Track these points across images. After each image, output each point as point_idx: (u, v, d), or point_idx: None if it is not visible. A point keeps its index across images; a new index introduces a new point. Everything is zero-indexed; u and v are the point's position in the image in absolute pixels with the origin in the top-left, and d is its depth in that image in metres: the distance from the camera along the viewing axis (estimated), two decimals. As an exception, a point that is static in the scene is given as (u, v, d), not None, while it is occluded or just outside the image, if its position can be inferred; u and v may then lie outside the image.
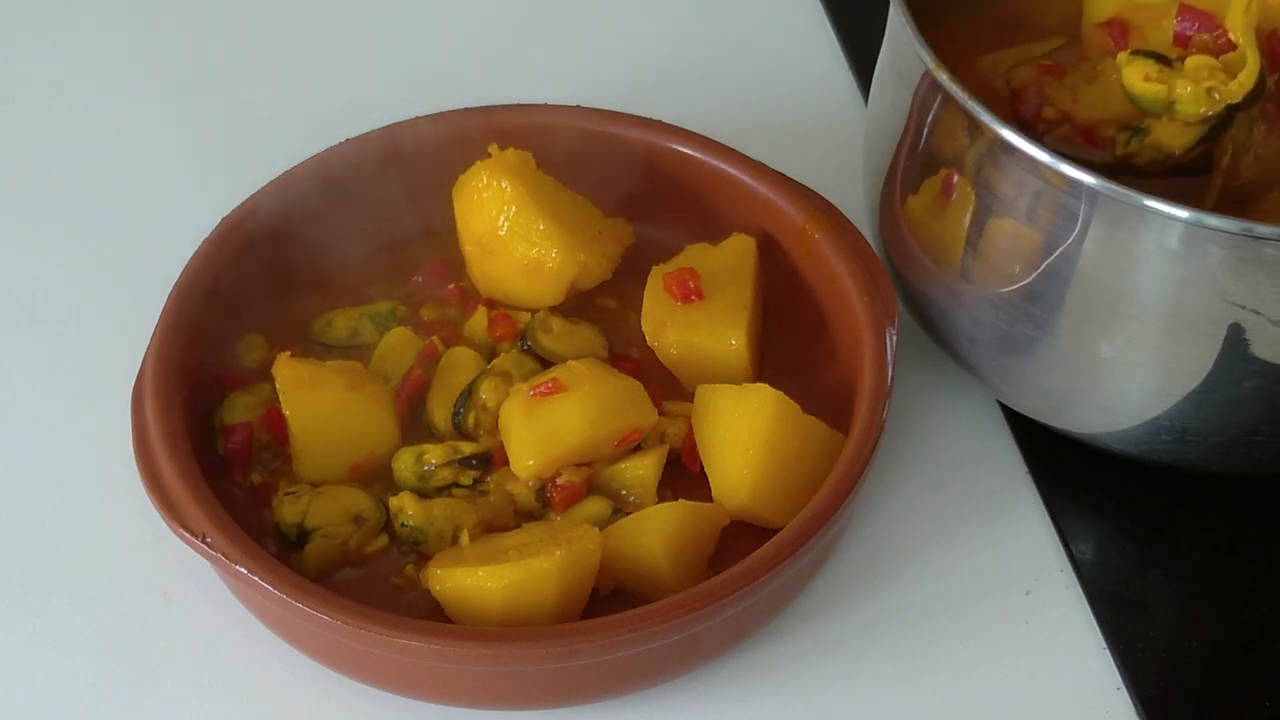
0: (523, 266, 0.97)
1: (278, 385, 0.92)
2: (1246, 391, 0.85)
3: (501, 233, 0.97)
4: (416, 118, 1.02)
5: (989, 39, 0.98)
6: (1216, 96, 0.85)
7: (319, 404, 0.91)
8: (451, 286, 1.00)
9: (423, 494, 0.90)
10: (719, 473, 0.91)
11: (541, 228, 0.96)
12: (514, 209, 0.96)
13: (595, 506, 0.91)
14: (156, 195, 1.10)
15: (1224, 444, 0.88)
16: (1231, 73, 0.86)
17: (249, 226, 0.97)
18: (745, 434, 0.90)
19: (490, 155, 0.98)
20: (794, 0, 1.23)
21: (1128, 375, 0.86)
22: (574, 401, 0.90)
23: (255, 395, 0.94)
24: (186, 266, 0.95)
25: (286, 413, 0.91)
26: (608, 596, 0.88)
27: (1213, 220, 0.79)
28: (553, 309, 0.98)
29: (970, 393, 0.99)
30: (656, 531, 0.87)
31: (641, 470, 0.92)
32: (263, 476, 0.92)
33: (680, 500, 0.89)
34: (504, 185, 0.97)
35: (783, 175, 1.01)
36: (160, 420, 0.89)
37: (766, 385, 0.91)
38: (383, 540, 0.91)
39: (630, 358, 0.98)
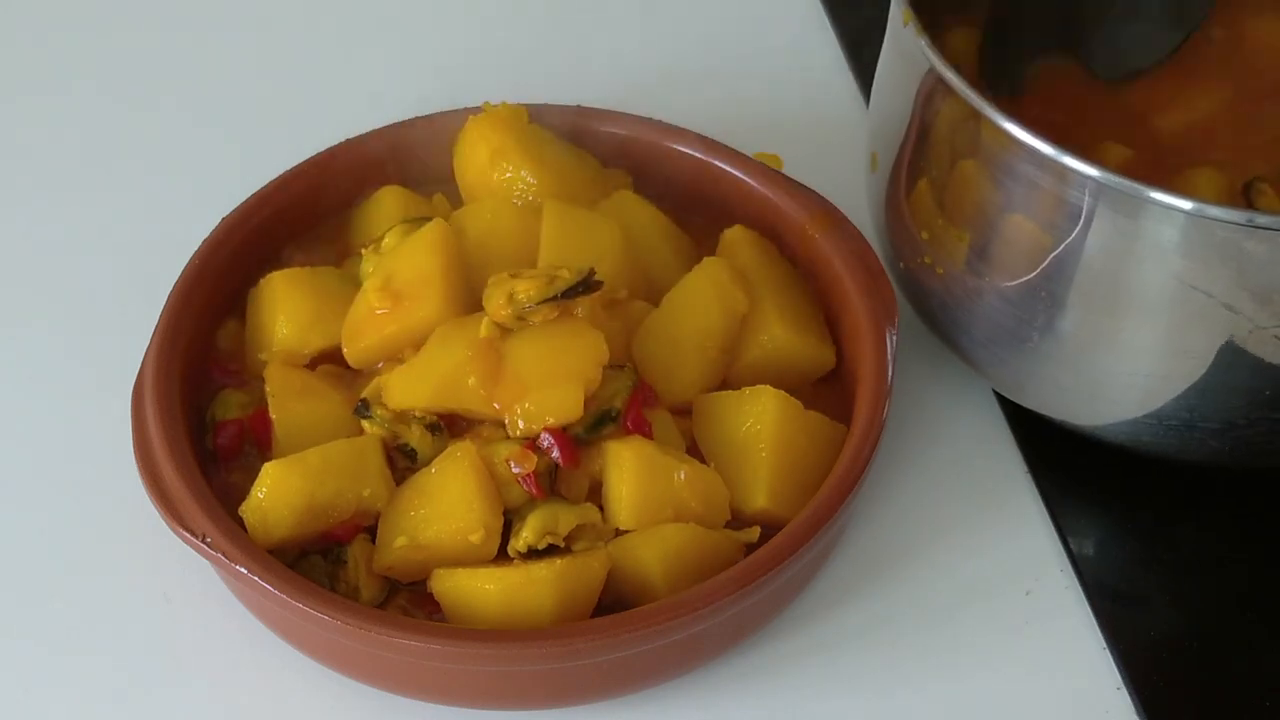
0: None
1: (268, 389, 0.92)
2: (1233, 385, 0.85)
3: (492, 183, 0.98)
4: (415, 118, 1.03)
5: (989, 37, 0.98)
6: None
7: (307, 413, 0.91)
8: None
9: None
10: (732, 479, 0.90)
11: (529, 178, 0.97)
12: (503, 161, 0.97)
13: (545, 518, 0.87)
14: (156, 195, 1.11)
15: (1215, 431, 0.88)
16: None
17: (249, 226, 0.98)
18: (753, 438, 0.90)
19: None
20: (794, 0, 1.23)
21: (1124, 366, 0.86)
22: None
23: (248, 394, 0.93)
24: (186, 267, 0.95)
25: (273, 417, 0.91)
26: (609, 607, 0.87)
27: (1215, 210, 0.79)
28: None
29: (971, 391, 0.99)
30: (655, 548, 0.86)
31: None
32: (241, 477, 0.91)
33: (692, 524, 0.87)
34: (494, 138, 0.97)
35: (783, 175, 1.01)
36: (160, 420, 0.89)
37: (767, 386, 0.91)
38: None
39: None
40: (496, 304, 0.88)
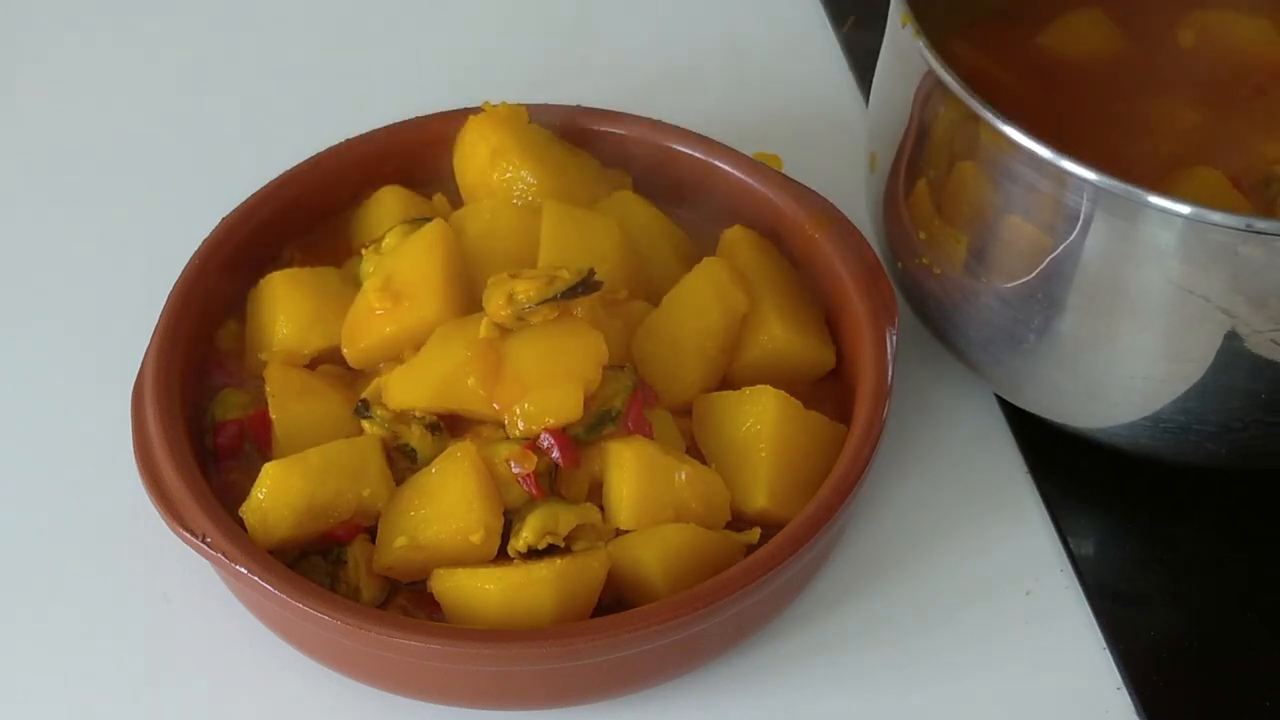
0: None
1: (268, 389, 0.92)
2: (1229, 388, 0.85)
3: (492, 183, 0.98)
4: (415, 118, 1.03)
5: (989, 36, 0.98)
6: None
7: (307, 413, 0.91)
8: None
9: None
10: (732, 479, 0.90)
11: (529, 178, 0.97)
12: (503, 161, 0.97)
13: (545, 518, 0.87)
14: (156, 195, 1.11)
15: (1210, 434, 0.88)
16: None
17: (249, 226, 0.98)
18: (752, 438, 0.90)
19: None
20: (794, 0, 1.23)
21: (1121, 368, 0.87)
22: None
23: (248, 394, 0.93)
24: (186, 267, 0.95)
25: (273, 417, 0.91)
26: (609, 607, 0.87)
27: (1214, 216, 0.79)
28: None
29: (971, 392, 0.99)
30: (655, 548, 0.86)
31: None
32: (241, 477, 0.91)
33: (692, 525, 0.87)
34: (494, 138, 0.97)
35: (783, 175, 1.01)
36: (160, 420, 0.89)
37: (767, 386, 0.91)
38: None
39: None
40: (496, 304, 0.88)
